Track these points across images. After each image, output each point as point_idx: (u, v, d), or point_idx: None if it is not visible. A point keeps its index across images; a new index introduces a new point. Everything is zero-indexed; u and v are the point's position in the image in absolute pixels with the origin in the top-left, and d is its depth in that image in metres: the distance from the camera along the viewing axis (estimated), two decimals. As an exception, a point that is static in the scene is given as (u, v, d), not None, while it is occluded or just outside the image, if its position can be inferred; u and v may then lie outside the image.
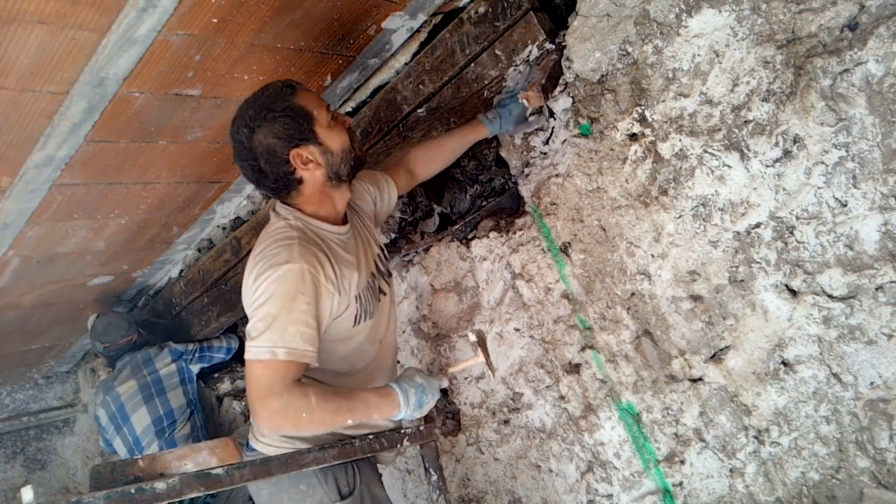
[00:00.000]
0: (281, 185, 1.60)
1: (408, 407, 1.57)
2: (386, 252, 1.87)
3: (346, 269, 1.59)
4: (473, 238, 2.15)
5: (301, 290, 1.47)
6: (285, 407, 1.42)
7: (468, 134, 1.94)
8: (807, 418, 1.49)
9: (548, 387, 1.96)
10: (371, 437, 1.64)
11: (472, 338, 1.74)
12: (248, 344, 1.47)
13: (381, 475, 1.82)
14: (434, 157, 1.96)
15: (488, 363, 1.72)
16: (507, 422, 2.09)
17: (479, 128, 1.92)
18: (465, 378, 2.19)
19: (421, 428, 1.79)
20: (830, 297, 1.43)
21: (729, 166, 1.53)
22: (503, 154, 2.02)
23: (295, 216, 1.61)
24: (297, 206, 1.64)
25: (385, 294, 1.76)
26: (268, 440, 1.63)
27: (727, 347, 1.59)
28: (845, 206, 1.39)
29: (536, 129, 1.91)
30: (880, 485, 1.40)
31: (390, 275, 1.85)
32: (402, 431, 1.75)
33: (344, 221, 1.70)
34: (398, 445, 1.71)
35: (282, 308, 1.45)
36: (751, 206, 1.51)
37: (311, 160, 1.58)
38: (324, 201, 1.64)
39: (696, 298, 1.63)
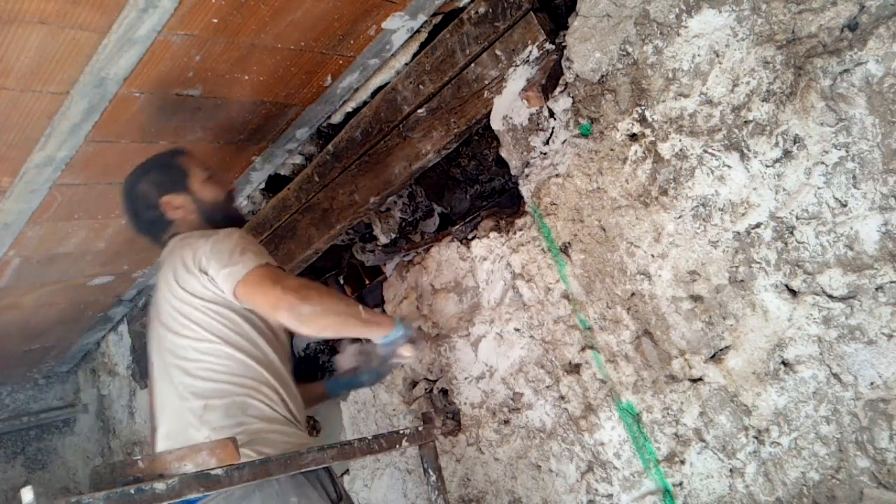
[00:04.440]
0: (154, 227, 1.91)
1: (396, 329, 1.77)
2: None
3: None
4: (473, 238, 2.15)
5: (254, 241, 1.73)
6: (304, 282, 1.60)
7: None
8: (807, 418, 1.49)
9: (548, 387, 1.96)
10: (370, 437, 1.64)
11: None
12: (235, 266, 1.60)
13: None
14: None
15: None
16: (507, 422, 2.09)
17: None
18: (466, 378, 2.19)
19: (420, 428, 1.79)
20: (830, 297, 1.43)
21: (729, 166, 1.54)
22: (503, 154, 2.02)
23: None
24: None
25: None
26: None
27: (727, 347, 1.59)
28: (845, 206, 1.39)
29: (537, 130, 1.91)
30: (880, 485, 1.40)
31: None
32: (401, 432, 1.75)
33: None
34: (396, 446, 1.71)
35: (252, 243, 1.69)
36: (751, 207, 1.51)
37: (181, 207, 1.87)
38: None
39: (696, 298, 1.63)
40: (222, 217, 1.89)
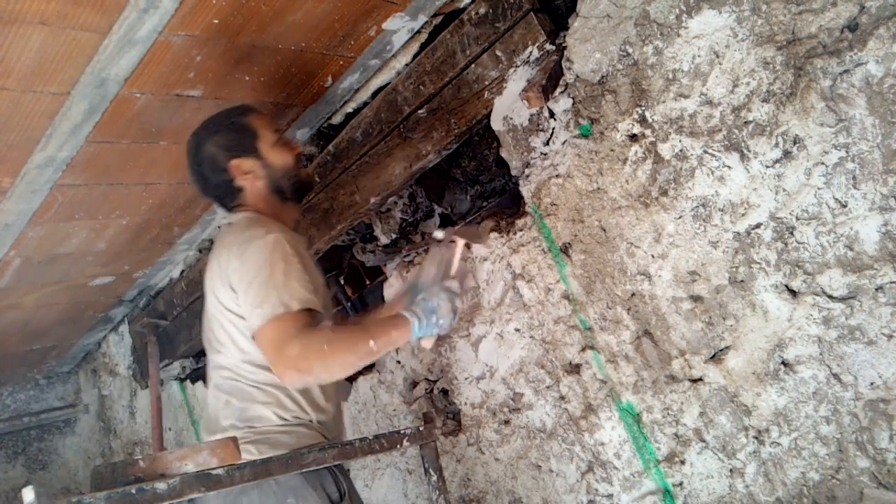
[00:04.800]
0: (221, 191, 1.76)
1: (419, 318, 1.59)
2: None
3: (307, 255, 1.68)
4: (474, 238, 2.15)
5: (289, 253, 1.57)
6: (305, 346, 1.45)
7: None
8: (807, 418, 1.49)
9: (548, 387, 1.96)
10: (371, 437, 1.64)
11: (441, 234, 1.70)
12: (254, 312, 1.53)
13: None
14: None
15: (476, 241, 1.71)
16: (507, 422, 2.09)
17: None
18: (466, 378, 2.19)
19: (421, 428, 1.79)
20: (830, 297, 1.43)
21: (729, 167, 1.54)
22: (503, 155, 2.02)
23: (253, 211, 1.74)
24: (258, 211, 1.75)
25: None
26: (256, 451, 1.61)
27: (727, 348, 1.59)
28: (845, 206, 1.39)
29: (537, 130, 1.91)
30: (880, 485, 1.40)
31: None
32: (402, 432, 1.75)
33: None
34: (398, 446, 1.71)
35: (280, 270, 1.54)
36: (751, 207, 1.51)
37: (251, 172, 1.73)
38: (271, 211, 1.75)
39: (696, 299, 1.63)
40: (291, 184, 1.78)
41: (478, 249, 2.12)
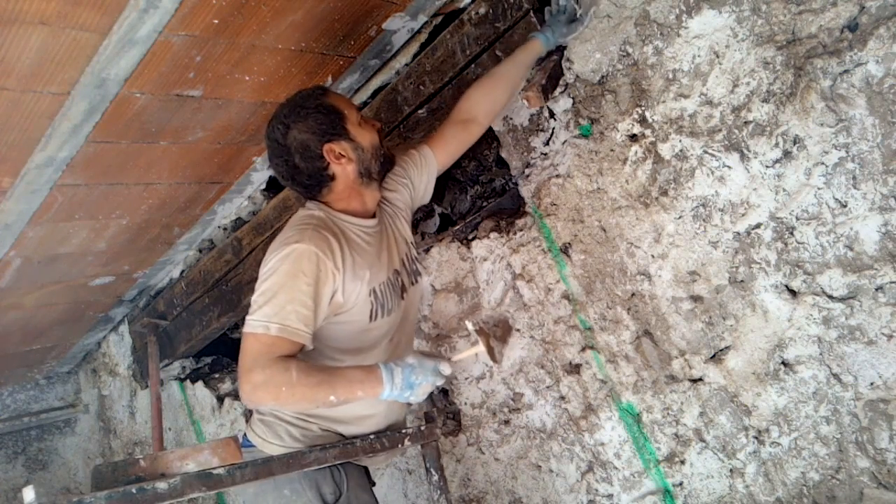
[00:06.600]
0: (314, 181, 1.64)
1: (392, 385, 1.49)
2: (416, 252, 1.84)
3: (362, 260, 1.59)
4: (474, 238, 2.15)
5: (303, 271, 1.49)
6: (266, 380, 1.42)
7: (522, 55, 1.80)
8: (807, 418, 1.49)
9: (548, 387, 1.96)
10: (372, 436, 1.64)
11: (471, 327, 1.66)
12: (247, 318, 1.50)
13: (373, 482, 1.82)
14: (491, 89, 1.83)
15: (489, 352, 1.64)
16: (507, 422, 2.09)
17: (533, 45, 1.79)
18: (466, 378, 2.19)
19: (422, 428, 1.79)
20: (830, 297, 1.43)
21: (729, 167, 1.54)
22: (504, 155, 2.02)
23: (320, 208, 1.65)
24: (326, 203, 1.67)
25: (407, 292, 1.74)
26: (261, 433, 1.67)
27: (727, 348, 1.59)
28: (845, 206, 1.39)
29: (537, 130, 1.91)
30: (880, 485, 1.40)
31: (419, 274, 1.83)
32: (403, 431, 1.75)
33: (372, 217, 1.71)
34: (399, 445, 1.71)
35: (282, 286, 1.48)
36: (751, 207, 1.51)
37: (344, 155, 1.62)
38: (353, 198, 1.67)
39: (696, 299, 1.63)
40: (379, 162, 1.67)
41: (477, 249, 2.12)
